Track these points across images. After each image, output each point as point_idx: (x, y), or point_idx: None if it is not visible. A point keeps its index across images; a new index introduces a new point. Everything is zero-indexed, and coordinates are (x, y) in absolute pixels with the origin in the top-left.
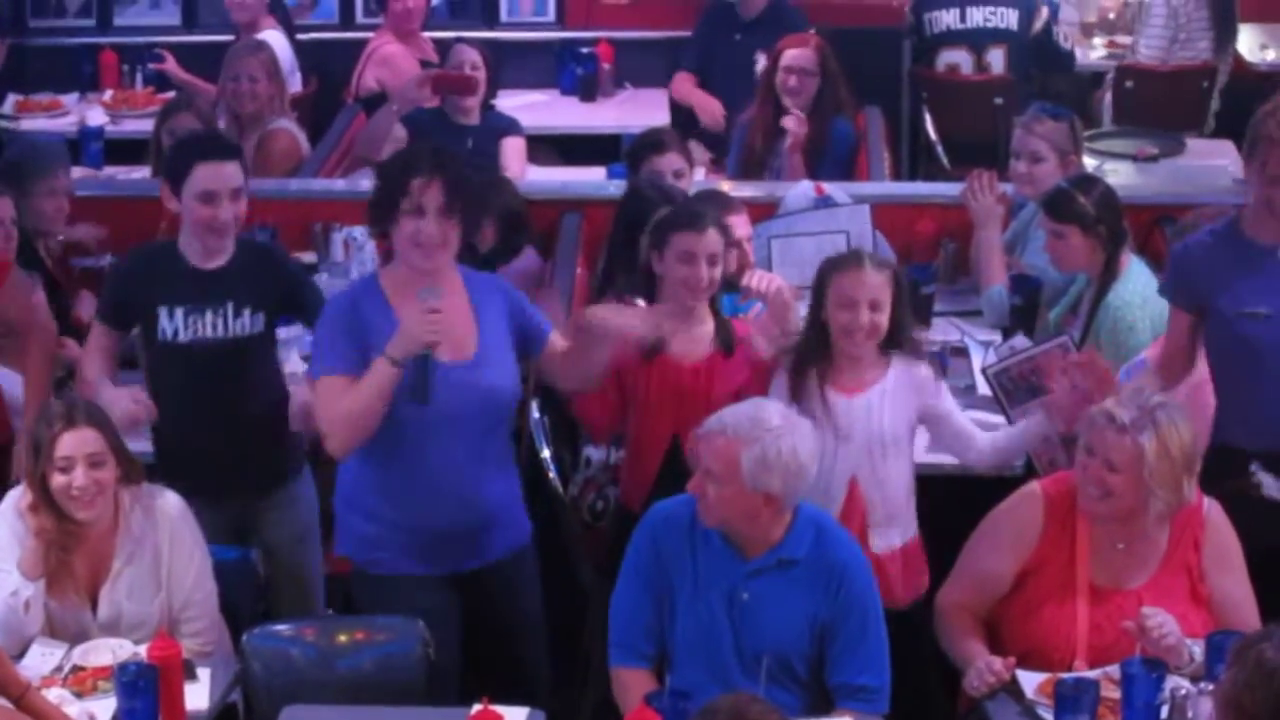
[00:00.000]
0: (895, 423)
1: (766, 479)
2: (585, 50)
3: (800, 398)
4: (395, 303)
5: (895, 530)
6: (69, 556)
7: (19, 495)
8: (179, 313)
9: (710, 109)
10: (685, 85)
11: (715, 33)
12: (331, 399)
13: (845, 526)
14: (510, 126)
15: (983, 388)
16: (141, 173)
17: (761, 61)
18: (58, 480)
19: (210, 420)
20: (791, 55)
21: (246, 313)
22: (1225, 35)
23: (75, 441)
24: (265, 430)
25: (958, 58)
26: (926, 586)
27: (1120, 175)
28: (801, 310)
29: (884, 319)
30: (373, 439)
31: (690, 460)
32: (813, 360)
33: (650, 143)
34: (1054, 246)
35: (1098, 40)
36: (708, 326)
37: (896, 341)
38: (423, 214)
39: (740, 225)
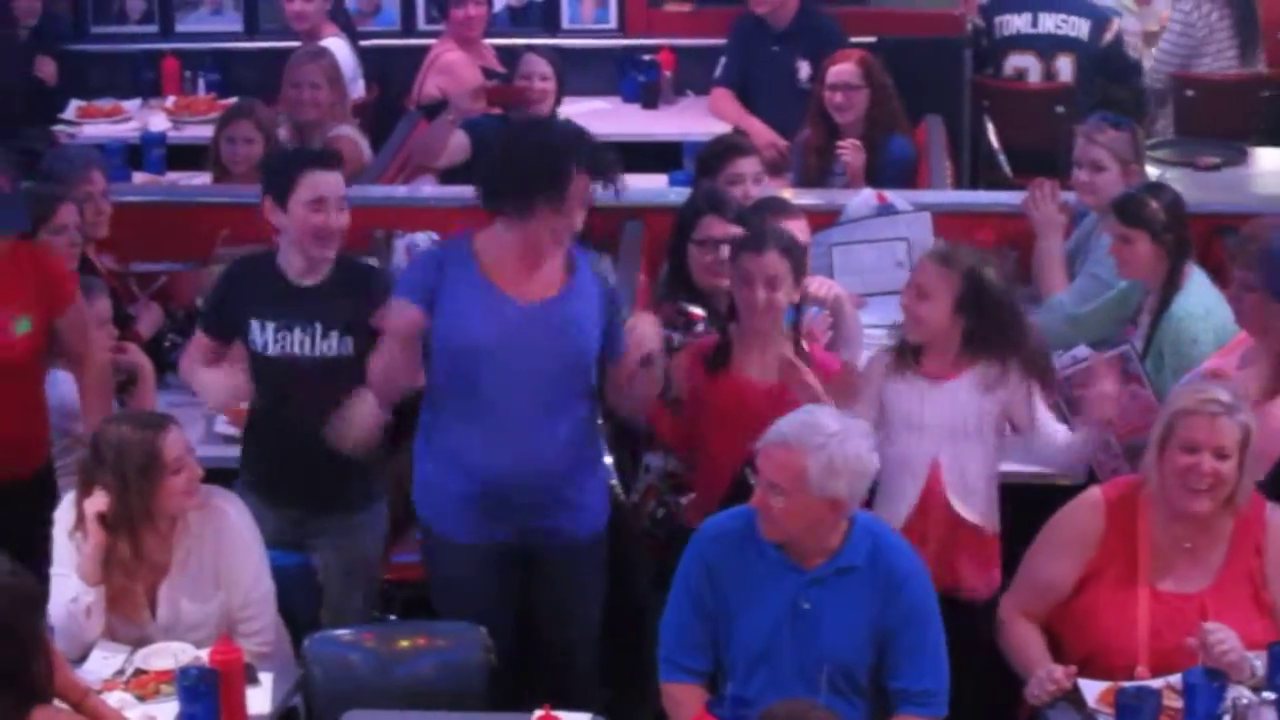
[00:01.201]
0: (977, 414)
1: (834, 484)
2: (647, 58)
3: (890, 379)
4: (482, 256)
5: (973, 512)
6: (132, 559)
7: (78, 502)
8: (269, 326)
9: (766, 138)
10: (729, 105)
11: (750, 46)
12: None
13: (924, 504)
14: None
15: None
16: (202, 178)
17: (803, 70)
18: (174, 483)
19: (292, 433)
20: (835, 71)
21: (335, 334)
22: (1250, 45)
23: (178, 441)
24: (343, 453)
25: (1025, 63)
26: (997, 585)
27: (1180, 184)
28: (862, 317)
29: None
30: (442, 400)
31: (749, 476)
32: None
33: (730, 145)
34: (1120, 251)
35: (1155, 50)
36: (780, 349)
37: (981, 338)
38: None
39: (798, 232)
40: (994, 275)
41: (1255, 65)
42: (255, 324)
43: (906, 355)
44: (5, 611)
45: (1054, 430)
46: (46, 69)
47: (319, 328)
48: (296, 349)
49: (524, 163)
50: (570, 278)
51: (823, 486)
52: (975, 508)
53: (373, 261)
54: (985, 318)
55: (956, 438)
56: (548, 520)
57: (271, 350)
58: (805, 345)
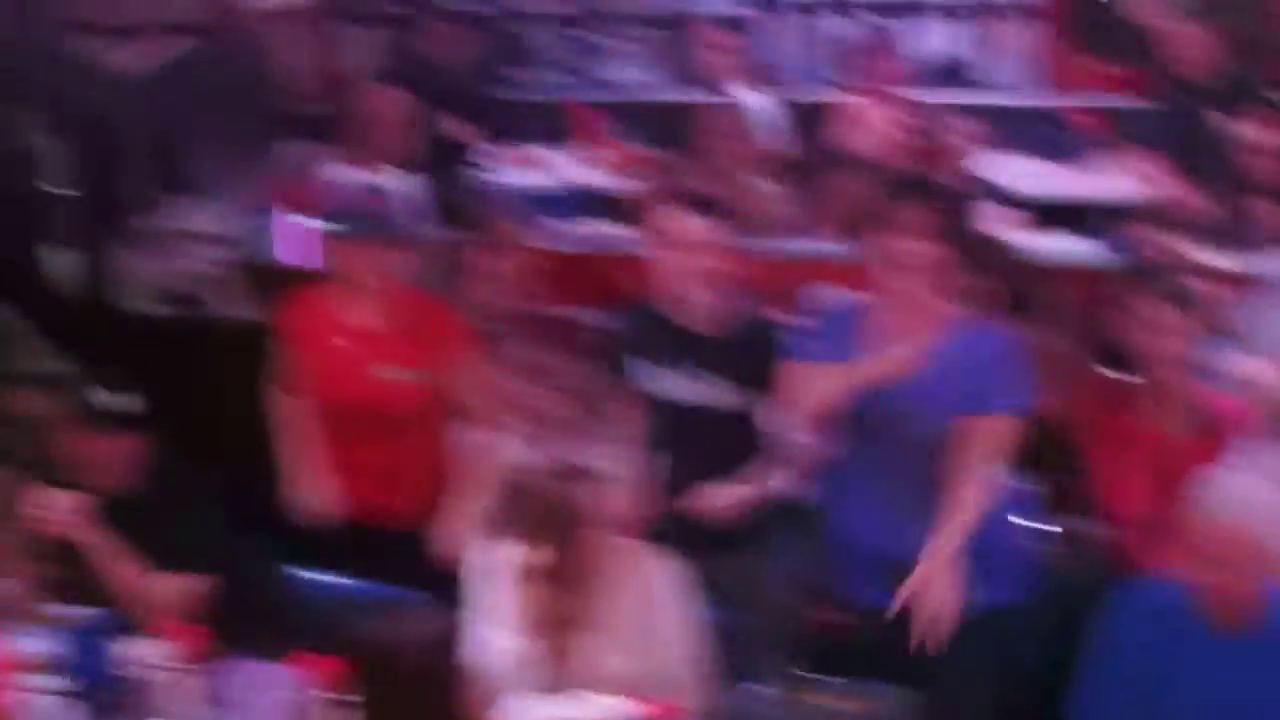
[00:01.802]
0: None
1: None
2: (1063, 116)
3: None
4: (876, 318)
5: None
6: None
7: (488, 549)
8: (666, 370)
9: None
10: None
11: (1171, 104)
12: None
13: None
14: (993, 193)
15: None
16: (614, 228)
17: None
18: (605, 537)
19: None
20: (1251, 132)
21: (733, 384)
22: None
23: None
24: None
25: None
26: None
27: None
28: None
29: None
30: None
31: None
32: None
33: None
34: None
35: None
36: (1180, 404)
37: None
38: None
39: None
40: None
41: None
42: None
43: None
44: (432, 657)
45: None
46: (464, 130)
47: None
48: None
49: None
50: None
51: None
52: None
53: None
54: None
55: None
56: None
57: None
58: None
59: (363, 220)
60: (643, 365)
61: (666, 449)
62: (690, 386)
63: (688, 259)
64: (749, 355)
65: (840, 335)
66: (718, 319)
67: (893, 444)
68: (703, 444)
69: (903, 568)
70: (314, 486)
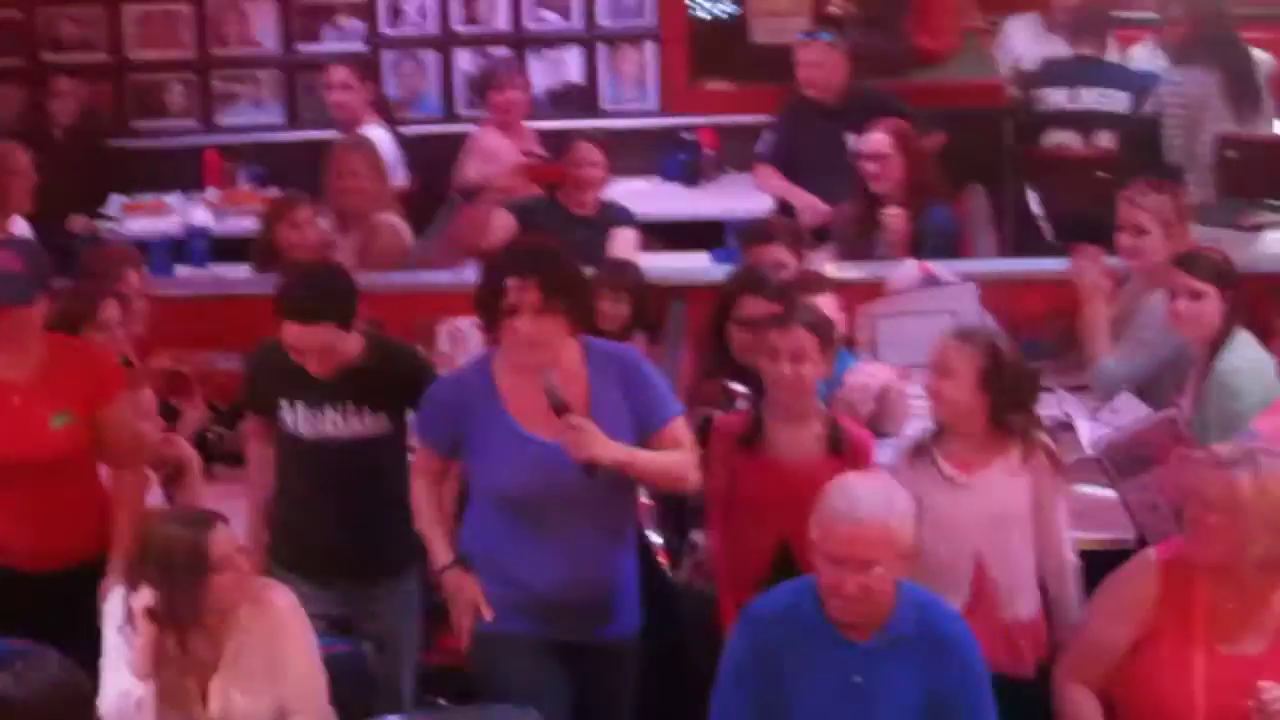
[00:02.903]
0: (1016, 502)
1: (907, 535)
2: (688, 136)
3: (920, 476)
4: (503, 388)
5: (1022, 602)
6: (181, 654)
7: (126, 597)
8: (299, 406)
9: (809, 204)
10: (774, 179)
11: (800, 125)
12: (418, 471)
13: (975, 603)
14: (624, 217)
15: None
16: (245, 270)
17: (852, 141)
18: (220, 581)
19: (327, 511)
20: (867, 141)
21: (367, 411)
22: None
23: (226, 539)
24: (380, 522)
25: (1065, 138)
26: (1045, 655)
27: (1225, 246)
28: (910, 389)
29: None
30: (488, 520)
31: (806, 564)
32: (928, 439)
33: (756, 232)
34: (1187, 309)
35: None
36: (814, 427)
37: (1001, 424)
38: (518, 313)
39: (827, 306)
40: (1010, 351)
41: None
42: (284, 404)
43: (926, 450)
44: (56, 708)
45: (1059, 552)
46: (78, 224)
47: (350, 406)
48: (329, 429)
49: None
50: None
51: (903, 539)
52: (1027, 604)
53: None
54: (1006, 393)
55: (998, 532)
56: (591, 630)
57: (304, 431)
58: (839, 421)
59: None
60: (278, 398)
61: (308, 478)
62: (328, 419)
63: (317, 360)
64: (383, 379)
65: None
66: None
67: (560, 509)
68: (346, 472)
69: (558, 609)
70: None
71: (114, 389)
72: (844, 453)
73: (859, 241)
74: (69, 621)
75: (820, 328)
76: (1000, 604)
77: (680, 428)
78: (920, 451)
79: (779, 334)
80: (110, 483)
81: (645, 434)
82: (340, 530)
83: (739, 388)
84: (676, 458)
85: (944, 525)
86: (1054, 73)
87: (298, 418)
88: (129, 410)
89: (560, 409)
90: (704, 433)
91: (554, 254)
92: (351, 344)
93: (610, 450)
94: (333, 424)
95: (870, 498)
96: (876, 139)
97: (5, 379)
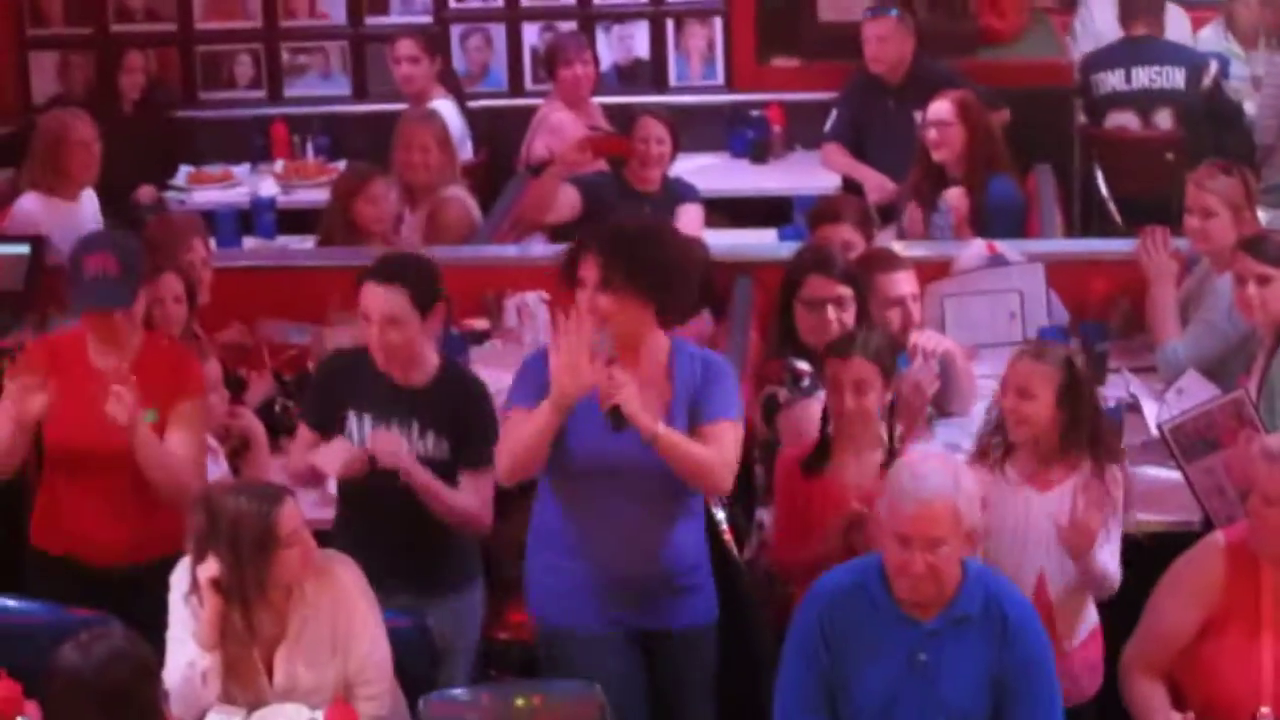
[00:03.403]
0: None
1: (973, 513)
2: (756, 113)
3: (989, 481)
4: None
5: (1082, 625)
6: (245, 627)
7: (192, 567)
8: (366, 419)
9: (877, 182)
10: (841, 157)
11: (865, 103)
12: (508, 431)
13: None
14: (689, 193)
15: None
16: (312, 242)
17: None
18: (288, 556)
19: (387, 529)
20: (930, 110)
21: (431, 435)
22: None
23: (293, 514)
24: (440, 541)
25: (1124, 119)
26: (1101, 678)
27: None
28: (975, 369)
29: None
30: (558, 495)
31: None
32: (996, 453)
33: (824, 212)
34: (1255, 294)
35: (1260, 94)
36: (878, 454)
37: (1075, 439)
38: (583, 287)
39: (903, 283)
40: (1082, 365)
41: None
42: (352, 415)
43: (997, 459)
44: (121, 679)
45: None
46: (145, 195)
47: (416, 427)
48: None
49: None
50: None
51: (970, 519)
52: (1079, 630)
53: (484, 323)
54: (1081, 409)
55: (1063, 551)
56: (662, 616)
57: (367, 444)
58: (899, 441)
59: (90, 288)
60: (347, 408)
61: (369, 493)
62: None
63: (379, 332)
64: (451, 405)
65: (541, 379)
66: (426, 372)
67: (622, 480)
68: (406, 493)
69: (623, 588)
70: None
71: (196, 391)
72: None
73: (921, 213)
74: (143, 616)
75: (881, 354)
76: (1055, 626)
77: (727, 432)
78: (989, 459)
79: (840, 364)
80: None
81: (694, 424)
82: (399, 548)
83: (804, 366)
84: (709, 454)
85: (1011, 536)
86: (1107, 56)
87: (364, 429)
88: (203, 415)
89: (608, 360)
90: (769, 412)
91: (635, 236)
92: (428, 356)
93: (638, 406)
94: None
95: (938, 477)
96: (939, 106)
97: (103, 370)
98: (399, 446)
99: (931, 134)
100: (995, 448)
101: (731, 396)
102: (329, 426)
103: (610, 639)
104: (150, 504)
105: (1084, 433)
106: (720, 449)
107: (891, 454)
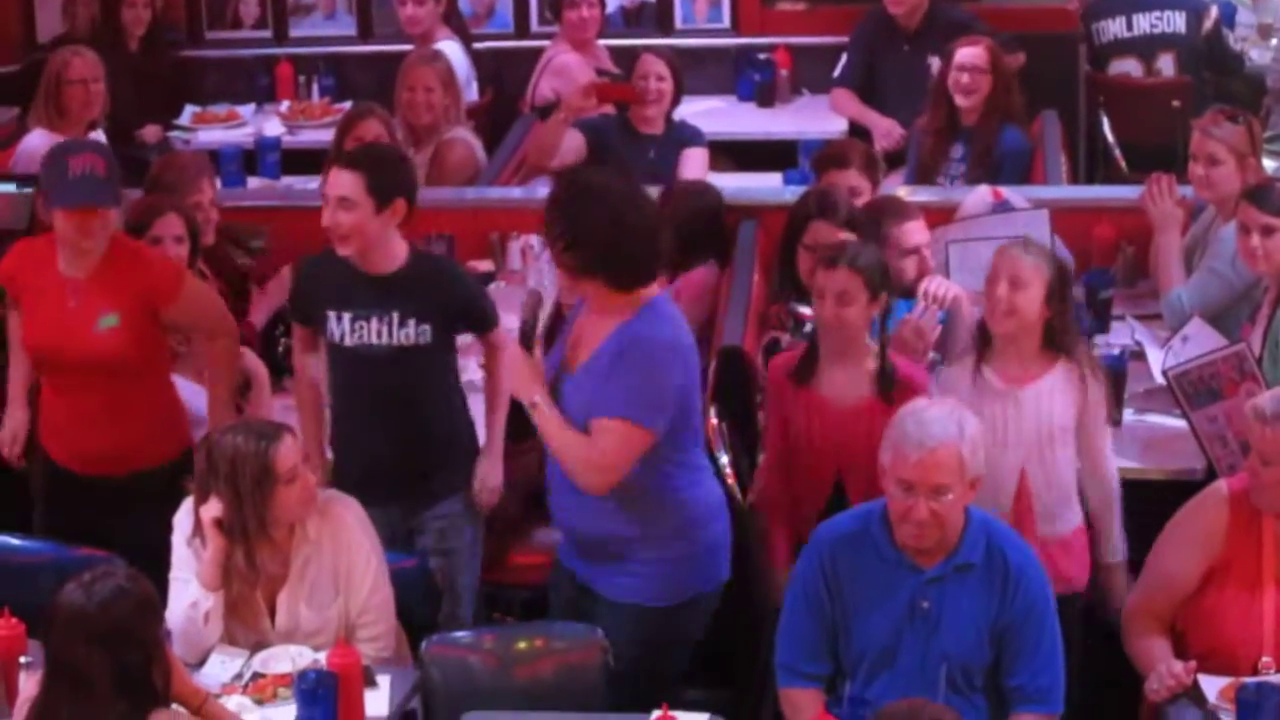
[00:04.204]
0: (1062, 415)
1: (977, 461)
2: (763, 56)
3: (969, 386)
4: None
5: (1063, 518)
6: (248, 567)
7: (195, 508)
8: (346, 317)
9: (884, 127)
10: (850, 103)
11: (878, 46)
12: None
13: (1017, 516)
14: (693, 137)
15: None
16: (318, 182)
17: (935, 68)
18: (288, 493)
19: (377, 424)
20: (963, 54)
21: (412, 323)
22: None
23: (292, 451)
24: (432, 440)
25: (1127, 66)
26: (1089, 571)
27: None
28: (979, 315)
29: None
30: None
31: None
32: (980, 353)
33: (831, 156)
34: (1259, 245)
35: (1275, 41)
36: (866, 367)
37: (1057, 340)
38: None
39: (916, 232)
40: (1066, 269)
41: None
42: (332, 315)
43: (975, 361)
44: (124, 616)
45: (1102, 471)
46: (150, 134)
47: (396, 316)
48: (374, 338)
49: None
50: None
51: (974, 466)
52: (1067, 519)
53: (488, 265)
54: (1066, 308)
55: (1044, 445)
56: (594, 572)
57: (349, 341)
58: (890, 358)
59: (76, 185)
60: (326, 309)
61: (356, 390)
62: (373, 329)
63: (330, 212)
64: (425, 289)
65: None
66: (397, 259)
67: None
68: (392, 383)
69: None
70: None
71: (172, 288)
72: (895, 392)
73: (931, 156)
74: (134, 526)
75: (871, 270)
76: (1038, 519)
77: (611, 432)
78: (969, 361)
79: (824, 274)
80: (207, 355)
81: (588, 413)
82: (389, 444)
83: (806, 311)
84: (585, 449)
85: (992, 438)
86: (1108, 3)
87: (344, 327)
88: (197, 294)
89: (524, 331)
90: (771, 356)
91: (585, 202)
92: (395, 246)
93: (525, 387)
94: (377, 333)
95: (942, 424)
96: (974, 52)
97: (67, 277)
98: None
99: (963, 79)
100: (972, 350)
101: (636, 395)
102: (315, 323)
103: (569, 575)
104: (129, 417)
105: (1067, 334)
106: (595, 446)
107: (883, 371)
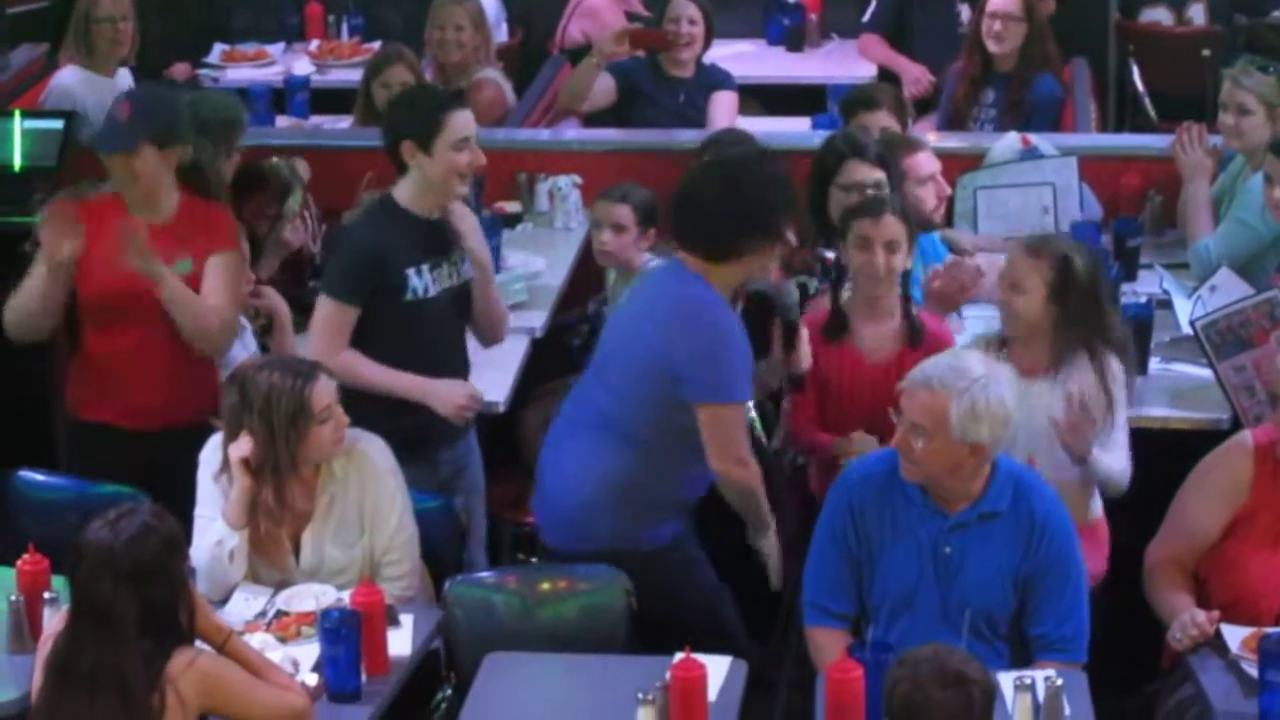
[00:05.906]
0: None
1: (976, 430)
2: (792, 1)
3: None
4: None
5: (1077, 510)
6: (276, 504)
7: (222, 446)
8: (424, 269)
9: (914, 74)
10: (879, 48)
11: None
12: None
13: None
14: (723, 80)
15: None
16: (346, 122)
17: (965, 14)
18: (321, 432)
19: (446, 372)
20: (995, 1)
21: (458, 254)
22: None
23: (326, 390)
24: (468, 371)
25: (1158, 14)
26: (1104, 570)
27: None
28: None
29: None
30: None
31: (892, 416)
32: (995, 345)
33: (862, 99)
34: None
35: None
36: (895, 321)
37: (1068, 335)
38: None
39: (929, 161)
40: (1082, 263)
41: None
42: (412, 272)
43: (993, 351)
44: (148, 554)
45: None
46: (179, 72)
47: (457, 255)
48: (449, 281)
49: None
50: None
51: (964, 431)
52: (1077, 515)
53: (516, 206)
54: (1075, 306)
55: (1052, 438)
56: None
57: (432, 291)
58: (918, 314)
59: (100, 135)
60: (405, 269)
61: (429, 340)
62: (446, 272)
63: (463, 155)
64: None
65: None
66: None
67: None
68: (455, 323)
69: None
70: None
71: (223, 243)
72: (922, 346)
73: (964, 102)
74: (169, 480)
75: (909, 217)
76: None
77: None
78: (987, 350)
79: (872, 225)
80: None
81: None
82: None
83: (833, 255)
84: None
85: None
86: None
87: (425, 280)
88: (232, 270)
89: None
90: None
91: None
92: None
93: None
94: (449, 275)
95: (955, 375)
96: (1009, 1)
97: (145, 221)
98: None
99: (996, 26)
100: (993, 341)
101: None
102: (369, 296)
103: None
104: (181, 368)
105: (1078, 330)
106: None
107: (911, 323)
